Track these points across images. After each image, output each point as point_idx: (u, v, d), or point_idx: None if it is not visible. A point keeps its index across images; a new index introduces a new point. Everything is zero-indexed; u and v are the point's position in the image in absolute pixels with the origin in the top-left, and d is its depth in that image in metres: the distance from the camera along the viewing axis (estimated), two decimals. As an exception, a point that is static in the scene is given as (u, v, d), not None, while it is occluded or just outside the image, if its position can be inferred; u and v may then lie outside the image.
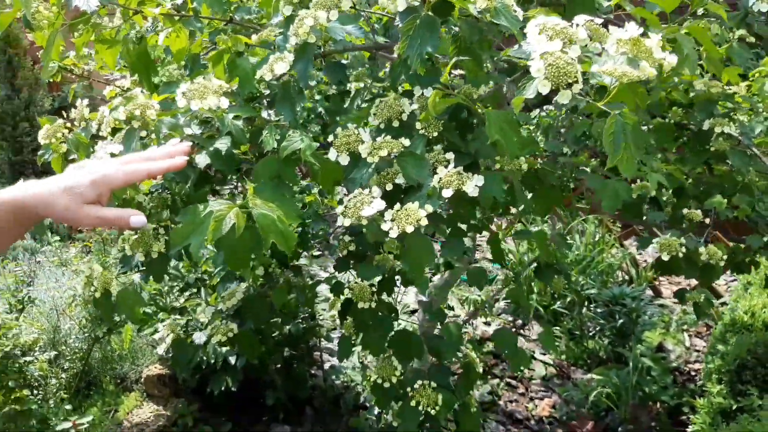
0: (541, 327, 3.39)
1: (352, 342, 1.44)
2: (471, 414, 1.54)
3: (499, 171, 1.07)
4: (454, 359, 1.57)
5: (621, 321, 3.00)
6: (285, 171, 1.06)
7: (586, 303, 3.30)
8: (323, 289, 2.47)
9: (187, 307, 2.49)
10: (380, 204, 0.90)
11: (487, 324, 3.55)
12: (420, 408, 1.39)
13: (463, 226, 1.28)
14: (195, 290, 2.68)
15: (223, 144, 1.12)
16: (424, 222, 0.87)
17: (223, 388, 2.47)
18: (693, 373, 3.06)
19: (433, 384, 1.45)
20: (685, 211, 1.47)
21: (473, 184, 0.91)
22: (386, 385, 1.44)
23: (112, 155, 1.17)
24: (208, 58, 1.20)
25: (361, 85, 1.28)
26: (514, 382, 3.05)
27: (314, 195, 1.73)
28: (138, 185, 1.31)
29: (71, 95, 1.78)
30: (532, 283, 3.54)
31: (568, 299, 3.31)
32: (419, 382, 1.44)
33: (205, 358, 2.49)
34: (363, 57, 1.33)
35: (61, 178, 0.77)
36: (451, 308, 3.56)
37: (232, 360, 2.48)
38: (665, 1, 1.10)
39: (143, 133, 1.07)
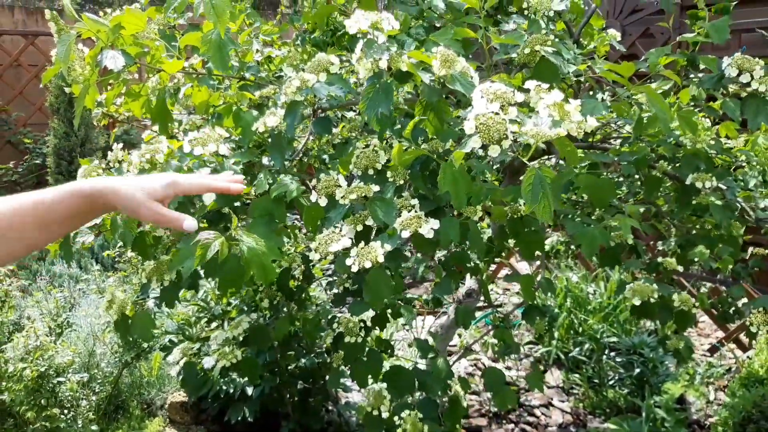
0: (561, 373, 3.40)
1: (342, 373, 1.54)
2: (458, 447, 1.60)
3: (458, 216, 1.18)
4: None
5: (638, 371, 2.98)
6: (275, 210, 1.20)
7: (606, 351, 3.29)
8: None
9: (210, 337, 2.64)
10: (346, 242, 1.03)
11: (508, 369, 3.57)
12: (407, 437, 1.47)
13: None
14: (220, 321, 2.83)
15: (225, 186, 1.27)
16: (381, 259, 0.98)
17: (240, 418, 2.59)
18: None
19: (420, 415, 1.53)
20: (660, 259, 1.53)
21: (429, 227, 1.02)
22: (375, 413, 1.54)
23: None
24: (220, 110, 1.37)
25: (353, 134, 1.43)
26: (529, 428, 3.06)
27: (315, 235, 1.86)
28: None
29: (112, 138, 1.98)
30: (553, 329, 3.56)
31: (587, 346, 3.31)
32: (406, 411, 1.53)
33: (224, 387, 2.62)
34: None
35: (136, 178, 0.92)
36: (471, 351, 3.60)
37: (249, 391, 2.60)
38: (623, 69, 1.21)
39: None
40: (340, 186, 1.12)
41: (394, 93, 0.98)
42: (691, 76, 1.64)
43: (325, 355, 2.76)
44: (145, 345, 2.67)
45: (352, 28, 1.00)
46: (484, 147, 0.86)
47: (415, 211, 1.07)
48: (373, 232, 1.13)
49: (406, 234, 1.02)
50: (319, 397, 2.81)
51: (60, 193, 0.87)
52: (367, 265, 0.98)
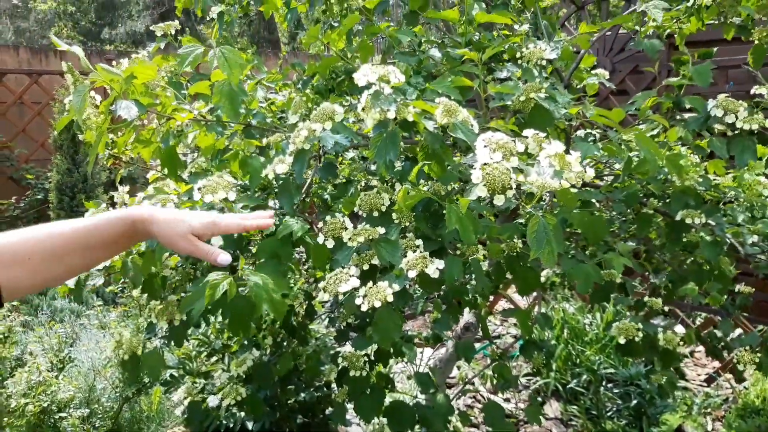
0: (559, 405, 3.41)
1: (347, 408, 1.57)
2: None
3: (460, 255, 1.23)
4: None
5: (635, 401, 3.01)
6: (282, 250, 1.25)
7: (603, 382, 3.32)
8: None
9: (211, 372, 2.66)
10: (355, 282, 1.07)
11: (507, 400, 3.58)
12: (409, 471, 1.50)
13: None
14: (221, 356, 2.85)
15: (234, 227, 1.33)
16: (390, 298, 1.03)
17: (240, 453, 2.59)
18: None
19: (422, 450, 1.56)
20: (646, 299, 1.58)
21: (434, 267, 1.07)
22: (378, 449, 1.56)
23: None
24: (227, 156, 1.42)
25: (360, 175, 1.49)
26: (529, 461, 3.07)
27: (321, 272, 1.91)
28: (165, 261, 1.52)
29: (117, 179, 2.04)
30: (551, 361, 3.58)
31: (585, 377, 3.34)
32: (409, 446, 1.56)
33: (224, 421, 2.63)
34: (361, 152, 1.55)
35: (180, 212, 0.98)
36: (471, 384, 3.62)
37: (250, 425, 2.61)
38: (613, 114, 1.27)
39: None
40: (346, 228, 1.17)
41: (399, 141, 1.04)
42: (678, 117, 1.72)
43: (325, 389, 2.78)
44: (147, 380, 2.68)
45: (360, 80, 1.07)
46: (490, 195, 0.92)
47: (420, 251, 1.12)
48: (378, 271, 1.18)
49: (412, 274, 1.07)
50: (319, 432, 2.82)
51: (107, 218, 0.93)
52: (377, 304, 1.03)
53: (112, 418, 2.80)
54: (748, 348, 1.48)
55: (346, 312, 1.10)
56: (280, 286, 1.12)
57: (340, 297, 1.09)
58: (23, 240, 0.87)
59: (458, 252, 1.25)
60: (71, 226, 0.91)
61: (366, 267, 1.16)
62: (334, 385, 2.92)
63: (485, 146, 1.00)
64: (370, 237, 1.14)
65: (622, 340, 1.47)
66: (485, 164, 0.96)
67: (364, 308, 1.05)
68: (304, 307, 1.75)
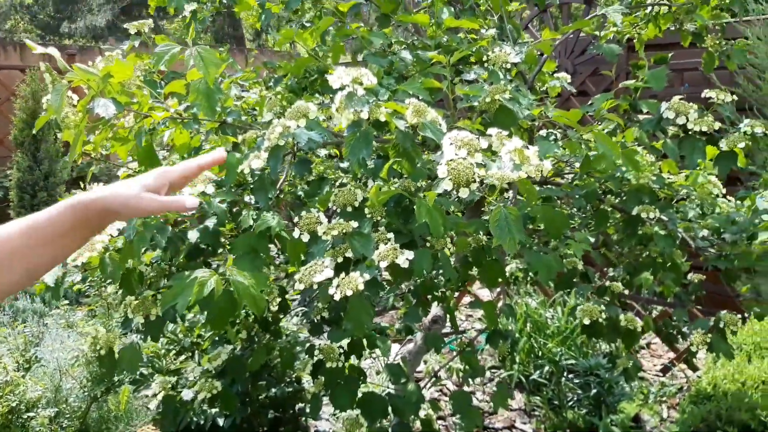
0: (523, 396, 3.52)
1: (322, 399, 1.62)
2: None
3: (430, 248, 1.29)
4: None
5: (595, 391, 3.13)
6: (259, 245, 1.29)
7: (565, 373, 3.44)
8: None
9: (181, 369, 2.67)
10: (329, 272, 1.13)
11: (473, 393, 3.67)
12: (382, 458, 1.56)
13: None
14: (190, 354, 2.86)
15: (210, 222, 1.37)
16: (362, 287, 1.09)
17: (211, 449, 2.61)
18: (666, 447, 3.15)
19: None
20: (607, 283, 1.67)
21: (404, 258, 1.13)
22: (352, 438, 1.62)
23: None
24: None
25: (331, 172, 1.54)
26: (494, 451, 3.16)
27: (295, 266, 1.95)
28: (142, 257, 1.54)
29: (89, 176, 2.04)
30: (514, 353, 3.69)
31: (547, 368, 3.45)
32: (382, 434, 1.62)
33: (195, 419, 2.64)
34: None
35: (130, 180, 0.91)
36: (438, 377, 3.70)
37: (221, 421, 2.63)
38: (571, 115, 1.36)
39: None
40: (321, 223, 1.23)
41: (371, 140, 1.09)
42: (634, 118, 1.81)
43: (296, 385, 2.82)
44: (116, 379, 2.68)
45: (335, 83, 1.12)
46: (455, 189, 0.98)
47: (392, 244, 1.18)
48: (352, 264, 1.23)
49: (384, 264, 1.13)
50: (289, 427, 2.86)
51: (56, 208, 0.86)
52: (349, 293, 1.08)
53: (80, 418, 2.79)
54: (700, 330, 1.58)
55: (321, 302, 1.15)
56: (260, 282, 1.16)
57: (315, 287, 1.14)
58: None
59: (428, 245, 1.32)
60: (27, 222, 0.85)
61: (340, 260, 1.21)
62: (304, 381, 2.96)
63: (451, 144, 1.06)
64: (344, 231, 1.20)
65: (587, 321, 1.56)
66: (450, 160, 1.02)
67: (337, 297, 1.11)
68: (278, 301, 1.79)
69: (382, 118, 1.12)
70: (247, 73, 1.82)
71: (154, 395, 1.83)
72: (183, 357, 2.84)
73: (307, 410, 2.93)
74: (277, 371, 2.74)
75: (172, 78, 1.59)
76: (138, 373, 2.81)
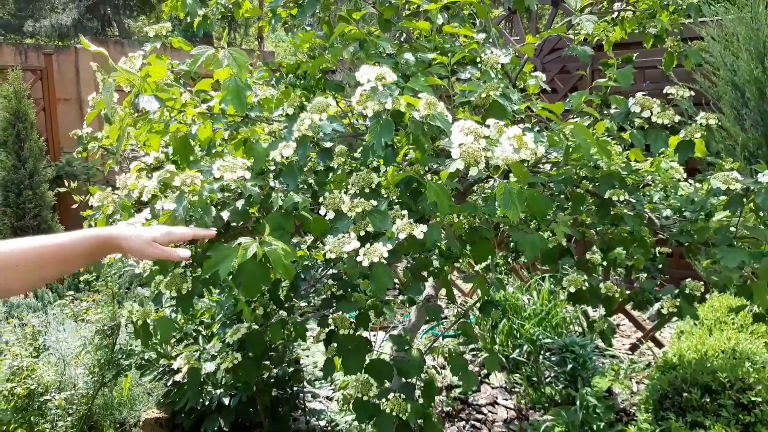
0: (504, 375, 3.76)
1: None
2: (433, 423, 1.90)
3: (438, 223, 1.49)
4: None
5: (571, 366, 3.38)
6: (286, 222, 1.48)
7: (542, 352, 3.69)
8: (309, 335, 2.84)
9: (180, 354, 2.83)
10: (356, 244, 1.32)
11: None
12: (393, 414, 1.75)
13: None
14: (192, 340, 3.02)
15: (240, 203, 1.55)
16: (386, 254, 1.28)
17: (216, 428, 2.78)
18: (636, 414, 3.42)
19: (402, 396, 1.82)
20: (588, 256, 1.90)
21: (420, 230, 1.33)
22: (365, 398, 1.80)
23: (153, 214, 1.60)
24: (232, 143, 1.64)
25: (342, 160, 1.73)
26: (478, 425, 3.38)
27: (303, 250, 2.14)
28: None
29: (107, 169, 2.19)
30: (495, 335, 3.93)
31: (525, 348, 3.69)
32: (392, 394, 1.81)
33: (200, 399, 2.80)
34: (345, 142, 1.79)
35: (140, 228, 1.25)
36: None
37: (227, 401, 2.80)
38: (555, 107, 1.57)
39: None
40: (344, 202, 1.42)
41: (392, 127, 1.29)
42: (605, 112, 2.05)
43: (295, 365, 3.00)
44: (125, 363, 2.82)
45: (362, 78, 1.32)
46: (466, 167, 1.18)
47: (407, 219, 1.38)
48: (370, 237, 1.43)
49: (402, 236, 1.33)
50: (287, 407, 3.04)
51: (80, 236, 1.14)
52: (375, 260, 1.28)
53: (87, 403, 2.92)
54: (669, 296, 1.82)
55: (348, 271, 1.34)
56: (289, 254, 1.35)
57: (344, 256, 1.33)
58: (15, 250, 1.06)
59: (435, 222, 1.52)
60: (52, 241, 1.11)
61: (362, 233, 1.40)
62: (303, 361, 3.15)
63: (460, 131, 1.27)
64: (365, 208, 1.39)
65: (572, 289, 1.77)
66: (462, 143, 1.22)
67: (365, 264, 1.30)
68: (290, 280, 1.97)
69: (402, 109, 1.31)
70: (265, 74, 1.99)
71: (179, 368, 1.99)
72: (185, 343, 3.00)
73: (305, 390, 3.13)
74: (278, 353, 2.92)
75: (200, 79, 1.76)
76: (145, 358, 2.96)
